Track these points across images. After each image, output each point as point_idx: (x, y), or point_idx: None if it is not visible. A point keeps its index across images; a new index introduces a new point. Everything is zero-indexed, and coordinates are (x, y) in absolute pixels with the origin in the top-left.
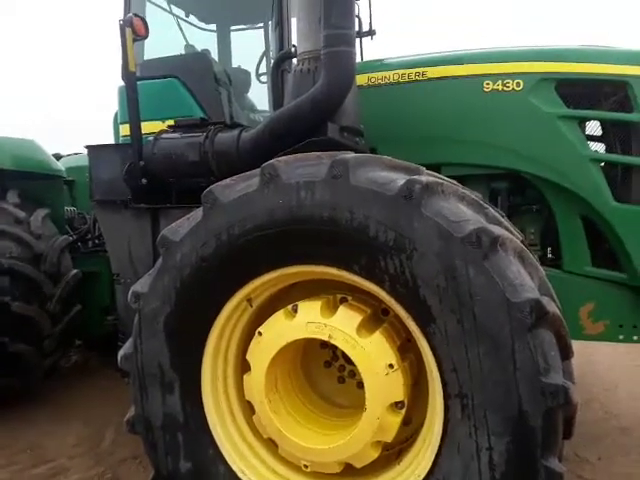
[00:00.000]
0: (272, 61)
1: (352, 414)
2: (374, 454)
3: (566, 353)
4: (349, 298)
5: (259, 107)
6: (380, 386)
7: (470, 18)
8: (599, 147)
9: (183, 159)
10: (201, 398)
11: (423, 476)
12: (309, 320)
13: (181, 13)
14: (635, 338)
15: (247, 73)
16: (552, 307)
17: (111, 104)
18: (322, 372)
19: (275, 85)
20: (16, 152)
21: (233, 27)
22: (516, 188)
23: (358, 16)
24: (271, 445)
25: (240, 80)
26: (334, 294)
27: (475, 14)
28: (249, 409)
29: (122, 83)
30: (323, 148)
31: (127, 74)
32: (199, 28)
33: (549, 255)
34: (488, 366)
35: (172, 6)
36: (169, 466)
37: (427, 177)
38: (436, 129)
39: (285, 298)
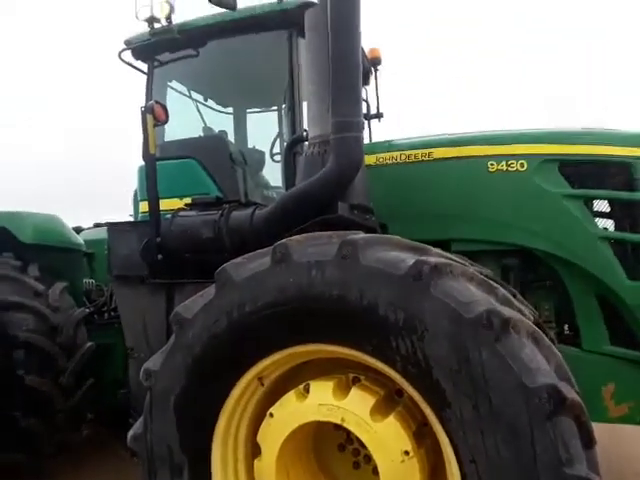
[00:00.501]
0: (285, 143)
1: None
2: None
3: (589, 441)
4: (362, 378)
5: (272, 184)
6: (396, 474)
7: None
8: (609, 224)
9: (198, 236)
10: None
11: None
12: (321, 402)
13: (200, 98)
14: None
15: (262, 153)
16: (571, 393)
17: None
18: (336, 456)
19: (288, 166)
20: (39, 227)
21: (249, 110)
22: (528, 264)
23: (366, 100)
24: None
25: (255, 159)
26: (346, 373)
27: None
28: None
29: (142, 163)
30: (334, 226)
31: (147, 156)
32: (217, 111)
33: (567, 332)
34: (507, 456)
35: (192, 92)
36: None
37: (436, 258)
38: (444, 207)
39: (297, 376)
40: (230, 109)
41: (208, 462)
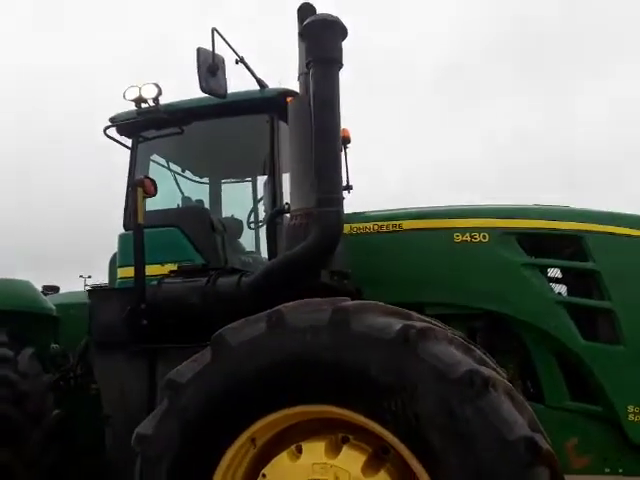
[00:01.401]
0: (264, 211)
1: None
2: None
3: None
4: (350, 437)
5: (247, 249)
6: None
7: None
8: (563, 290)
9: (186, 302)
10: None
11: None
12: (314, 461)
13: (178, 169)
14: (621, 471)
15: (239, 221)
16: (545, 444)
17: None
18: None
19: (270, 234)
20: (10, 293)
21: (224, 180)
22: (493, 326)
23: None
24: None
25: (233, 227)
26: (335, 433)
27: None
28: None
29: (121, 230)
30: (317, 291)
31: (136, 226)
32: (194, 182)
33: (530, 389)
34: None
35: (170, 164)
36: None
37: (420, 323)
38: (415, 273)
39: (285, 437)
40: (206, 180)
41: None
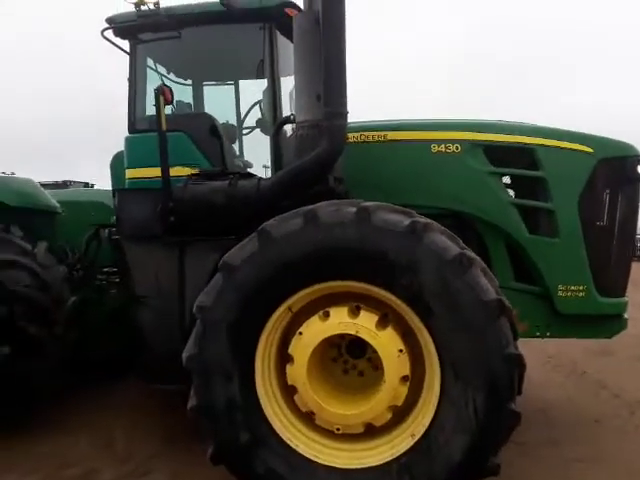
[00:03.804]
0: (261, 116)
1: (362, 391)
2: (388, 415)
3: (515, 333)
4: (361, 305)
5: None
6: (394, 365)
7: None
8: (513, 194)
9: (210, 201)
10: (254, 385)
11: (427, 424)
12: (340, 321)
13: (164, 71)
14: (548, 334)
15: (233, 127)
16: (507, 303)
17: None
18: (329, 365)
19: (276, 142)
20: (19, 190)
21: (205, 82)
22: (459, 224)
23: None
24: (307, 418)
25: (230, 133)
26: (350, 303)
27: None
28: (286, 392)
29: (126, 134)
30: (322, 194)
31: (161, 131)
32: (178, 83)
33: None
34: (469, 344)
35: (158, 66)
36: (230, 440)
37: (423, 219)
38: (397, 179)
39: (311, 306)
40: (189, 82)
41: (252, 370)
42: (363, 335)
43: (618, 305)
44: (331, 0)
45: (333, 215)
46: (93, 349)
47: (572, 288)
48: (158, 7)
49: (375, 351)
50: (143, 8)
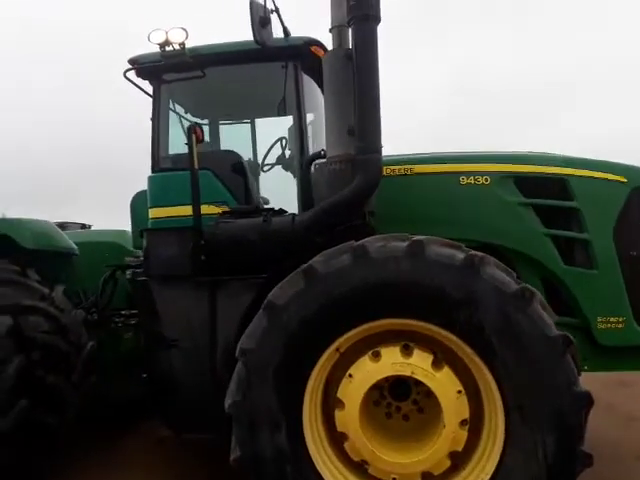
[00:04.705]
0: (288, 152)
1: (411, 436)
2: (448, 463)
3: (579, 370)
4: (411, 344)
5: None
6: (453, 407)
7: None
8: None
9: (244, 239)
10: (303, 434)
11: (491, 472)
12: (393, 361)
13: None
14: (586, 368)
15: (256, 164)
16: (572, 338)
17: None
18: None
19: (305, 177)
20: (36, 232)
21: (221, 122)
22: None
23: None
24: (358, 467)
25: (253, 170)
26: (399, 342)
27: None
28: (333, 439)
29: (150, 173)
30: (357, 229)
31: (193, 170)
32: (195, 123)
33: None
34: (538, 382)
35: (175, 105)
36: None
37: (478, 252)
38: (425, 211)
39: (358, 346)
40: (206, 121)
41: (300, 417)
42: (419, 376)
43: None
44: (364, 37)
45: (383, 250)
46: (107, 394)
47: (612, 319)
48: (183, 47)
49: (420, 392)
50: (168, 49)
